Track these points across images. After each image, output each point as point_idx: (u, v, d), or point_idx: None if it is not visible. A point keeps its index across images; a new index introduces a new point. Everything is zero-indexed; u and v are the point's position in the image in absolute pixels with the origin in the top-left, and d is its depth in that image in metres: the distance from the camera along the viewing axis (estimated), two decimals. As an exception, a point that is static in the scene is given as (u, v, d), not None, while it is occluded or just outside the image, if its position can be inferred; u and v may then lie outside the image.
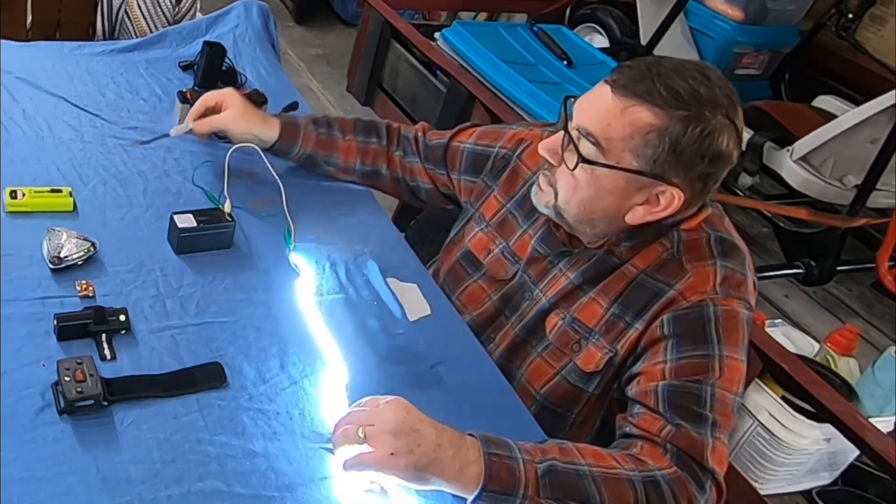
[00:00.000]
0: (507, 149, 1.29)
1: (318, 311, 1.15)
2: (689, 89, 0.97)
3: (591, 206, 1.06)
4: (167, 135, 1.41)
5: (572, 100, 1.06)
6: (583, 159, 1.01)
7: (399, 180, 1.42)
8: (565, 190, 1.06)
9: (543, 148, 1.07)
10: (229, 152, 1.32)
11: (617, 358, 1.09)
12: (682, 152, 0.98)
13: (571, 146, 1.03)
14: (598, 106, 1.01)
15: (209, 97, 1.35)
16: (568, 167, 1.03)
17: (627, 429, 1.01)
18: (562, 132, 1.04)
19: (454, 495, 0.91)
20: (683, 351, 1.02)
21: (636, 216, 1.05)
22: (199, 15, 2.18)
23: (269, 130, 1.34)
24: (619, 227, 1.08)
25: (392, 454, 0.88)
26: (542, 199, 1.11)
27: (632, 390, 1.05)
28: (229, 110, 1.33)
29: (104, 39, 2.14)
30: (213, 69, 1.67)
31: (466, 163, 1.34)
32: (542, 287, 1.19)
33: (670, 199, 1.02)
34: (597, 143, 1.00)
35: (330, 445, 0.94)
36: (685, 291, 1.04)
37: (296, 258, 1.24)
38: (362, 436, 0.89)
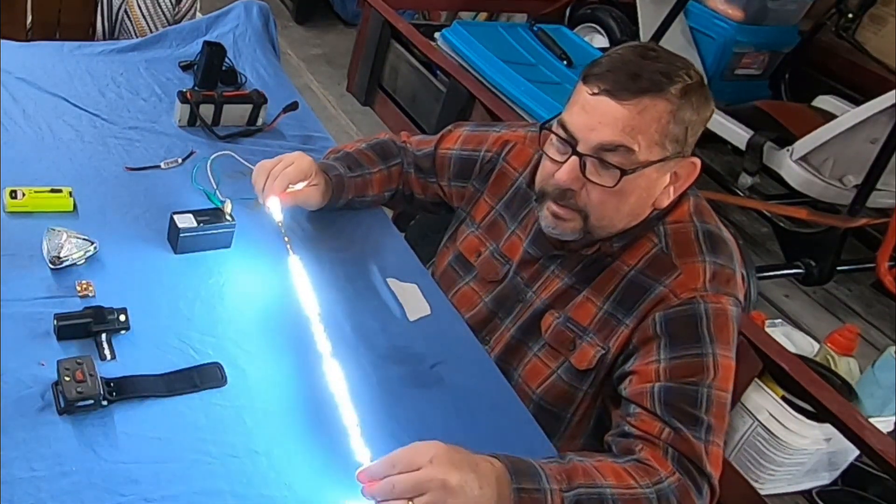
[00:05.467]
0: (493, 152, 1.30)
1: (317, 310, 1.15)
2: (666, 66, 1.00)
3: (634, 209, 1.07)
4: (158, 166, 1.40)
5: (555, 123, 1.06)
6: (623, 171, 1.00)
7: (403, 193, 1.43)
8: (602, 208, 1.05)
9: (563, 179, 1.04)
10: (228, 154, 1.32)
11: (609, 355, 1.09)
12: (694, 123, 1.02)
13: (597, 165, 1.02)
14: (611, 118, 0.99)
15: (290, 175, 1.22)
16: (607, 186, 1.02)
17: (626, 428, 1.02)
18: (574, 159, 1.03)
19: None
20: (676, 350, 1.02)
21: (667, 197, 1.07)
22: (199, 15, 2.18)
23: (329, 191, 1.30)
24: (648, 215, 1.09)
25: None
26: (566, 227, 1.09)
27: (626, 389, 1.05)
28: (318, 188, 1.27)
29: (104, 39, 2.14)
30: (213, 69, 1.67)
31: (454, 169, 1.34)
32: (535, 289, 1.19)
33: (691, 168, 1.06)
34: (627, 150, 1.00)
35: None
36: (676, 289, 1.05)
37: (296, 258, 1.24)
38: None
